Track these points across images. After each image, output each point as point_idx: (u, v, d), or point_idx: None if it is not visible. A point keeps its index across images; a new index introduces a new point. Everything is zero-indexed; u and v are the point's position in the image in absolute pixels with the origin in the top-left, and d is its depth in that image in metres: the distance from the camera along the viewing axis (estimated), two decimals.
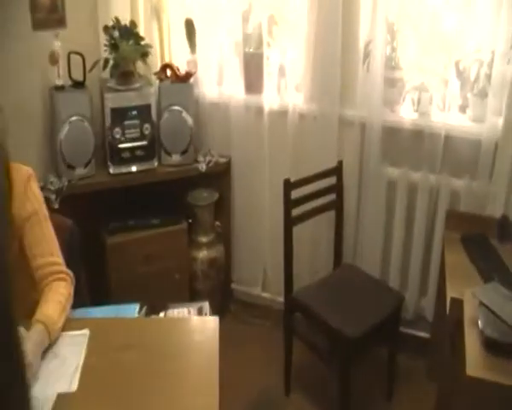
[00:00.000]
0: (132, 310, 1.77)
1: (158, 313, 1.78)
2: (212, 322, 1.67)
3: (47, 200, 2.54)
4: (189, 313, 1.77)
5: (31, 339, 1.51)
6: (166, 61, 2.90)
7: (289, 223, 2.46)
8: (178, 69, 2.82)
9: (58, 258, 1.75)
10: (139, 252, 2.80)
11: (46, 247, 1.73)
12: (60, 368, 1.51)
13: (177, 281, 2.89)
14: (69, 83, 2.64)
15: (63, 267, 1.74)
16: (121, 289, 2.77)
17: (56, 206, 2.60)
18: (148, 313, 1.76)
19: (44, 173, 2.70)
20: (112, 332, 1.64)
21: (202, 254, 2.98)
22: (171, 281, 2.87)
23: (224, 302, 3.16)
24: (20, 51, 2.54)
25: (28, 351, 1.46)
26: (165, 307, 1.77)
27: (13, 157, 2.45)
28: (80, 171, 2.67)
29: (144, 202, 2.89)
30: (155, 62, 2.86)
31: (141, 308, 1.77)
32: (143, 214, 2.85)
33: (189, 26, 2.84)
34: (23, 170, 1.76)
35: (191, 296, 2.97)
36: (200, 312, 1.77)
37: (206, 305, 1.80)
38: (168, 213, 2.88)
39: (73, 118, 2.59)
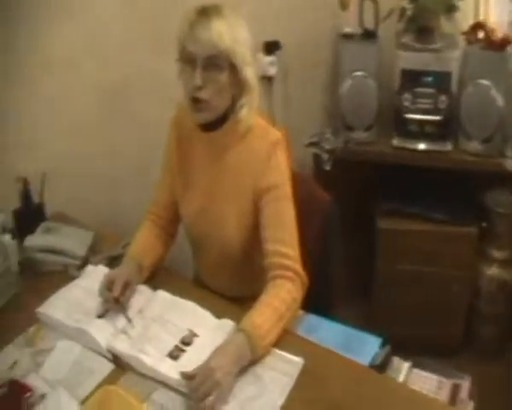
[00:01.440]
0: (372, 344, 1.29)
1: (405, 359, 1.26)
2: None
3: (318, 158, 2.36)
4: (440, 387, 1.19)
5: (227, 351, 1.17)
6: (480, 19, 2.27)
7: None
8: (493, 32, 2.17)
9: (291, 250, 1.36)
10: (416, 247, 2.34)
11: (279, 232, 1.36)
12: (255, 400, 1.14)
13: (453, 293, 2.37)
14: (359, 32, 2.30)
15: (295, 264, 1.35)
16: (385, 283, 2.41)
17: (328, 167, 2.34)
18: (388, 356, 1.25)
19: (321, 128, 2.49)
20: (330, 372, 1.19)
21: (492, 271, 2.36)
22: (446, 290, 2.37)
23: (507, 336, 2.47)
24: None
25: (220, 366, 1.13)
26: (415, 360, 1.24)
27: (290, 100, 2.27)
28: (359, 134, 2.37)
29: (426, 189, 2.39)
30: (465, 20, 2.28)
31: (383, 345, 1.27)
32: (424, 204, 2.36)
33: None
34: (270, 134, 1.41)
35: (470, 316, 2.44)
36: (454, 392, 1.18)
37: (465, 385, 1.20)
38: (454, 209, 2.32)
39: (358, 73, 2.27)
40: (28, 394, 1.18)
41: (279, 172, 1.39)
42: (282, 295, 1.29)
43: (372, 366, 1.27)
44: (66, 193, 1.90)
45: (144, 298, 1.43)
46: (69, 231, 1.66)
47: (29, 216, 1.68)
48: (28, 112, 1.80)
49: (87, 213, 1.87)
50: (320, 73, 2.54)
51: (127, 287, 1.37)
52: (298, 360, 1.22)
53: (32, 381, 1.23)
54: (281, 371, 1.20)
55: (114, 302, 1.34)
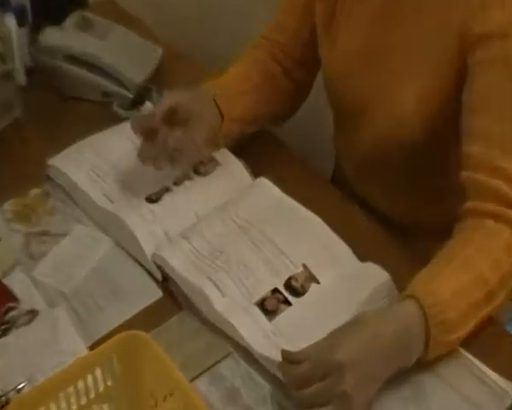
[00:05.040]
0: None
1: None
2: None
3: None
4: None
5: (377, 335, 0.66)
6: None
7: None
8: None
9: None
10: None
11: (500, 124, 0.77)
12: None
13: None
14: None
15: None
16: None
17: None
18: None
19: None
20: None
21: None
22: None
23: None
24: None
25: (356, 362, 0.63)
26: None
27: None
28: None
29: None
30: None
31: None
32: None
33: None
34: None
35: None
36: None
37: None
38: None
39: None
40: (10, 304, 0.84)
41: (510, 10, 0.78)
42: (495, 252, 0.73)
43: None
44: None
45: (234, 184, 0.90)
46: (123, 38, 1.11)
47: None
48: None
49: (157, 21, 1.37)
50: None
51: (186, 124, 0.86)
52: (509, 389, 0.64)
53: (19, 284, 0.84)
54: (469, 399, 0.65)
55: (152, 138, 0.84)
